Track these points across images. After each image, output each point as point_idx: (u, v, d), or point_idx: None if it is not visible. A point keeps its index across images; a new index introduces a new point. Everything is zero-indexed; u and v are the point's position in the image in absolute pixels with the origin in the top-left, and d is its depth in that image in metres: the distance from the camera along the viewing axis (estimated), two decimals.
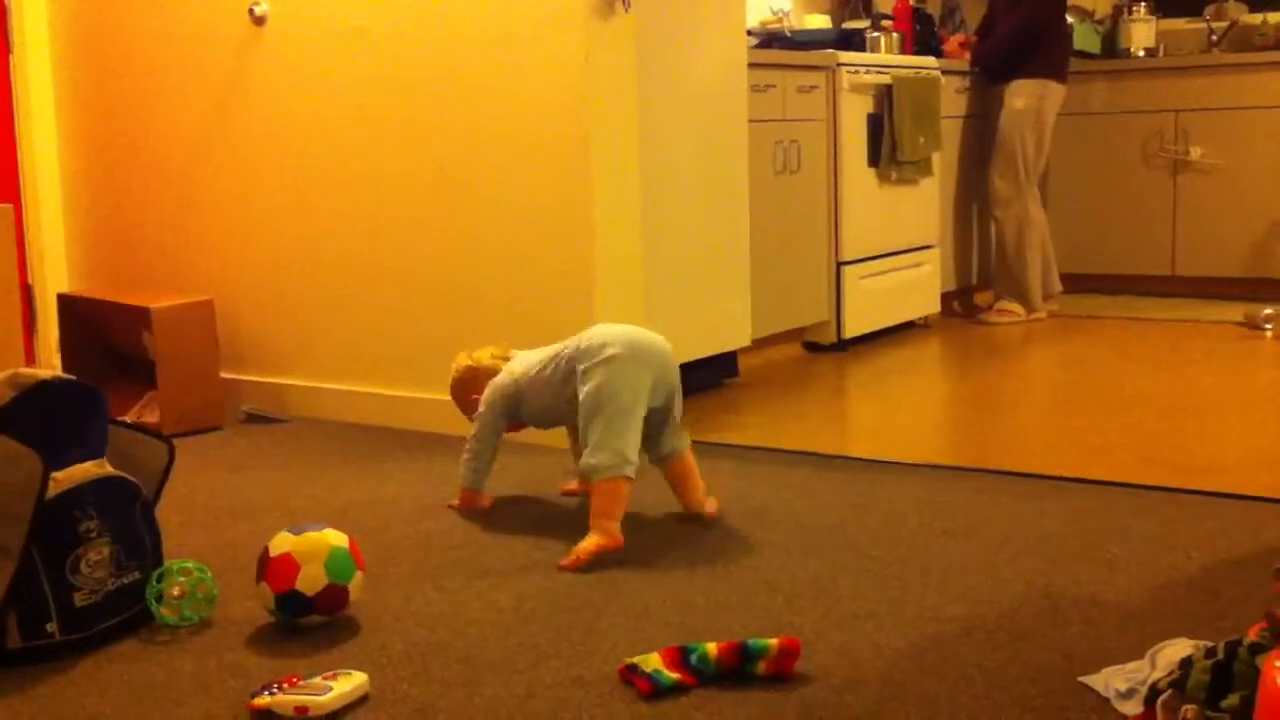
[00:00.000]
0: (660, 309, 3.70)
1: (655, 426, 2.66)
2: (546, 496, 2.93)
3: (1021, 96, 5.33)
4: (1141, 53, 6.25)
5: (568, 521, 2.72)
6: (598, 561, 2.43)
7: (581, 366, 2.58)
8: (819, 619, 2.13)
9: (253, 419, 3.80)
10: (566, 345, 2.66)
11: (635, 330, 2.66)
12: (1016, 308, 5.40)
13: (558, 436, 2.97)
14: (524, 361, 2.77)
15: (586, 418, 2.54)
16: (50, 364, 4.13)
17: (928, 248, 5.25)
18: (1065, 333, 5.12)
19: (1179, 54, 6.24)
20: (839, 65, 4.65)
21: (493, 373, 2.83)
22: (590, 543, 2.45)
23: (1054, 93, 5.37)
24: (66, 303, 4.01)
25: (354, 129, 3.65)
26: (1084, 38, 6.12)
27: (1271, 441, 3.30)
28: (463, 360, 2.89)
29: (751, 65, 4.12)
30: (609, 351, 2.56)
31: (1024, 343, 4.96)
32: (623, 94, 3.34)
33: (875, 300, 4.91)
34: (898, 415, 3.76)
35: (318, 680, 1.85)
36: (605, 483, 2.50)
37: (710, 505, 2.74)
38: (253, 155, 3.87)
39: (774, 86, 4.33)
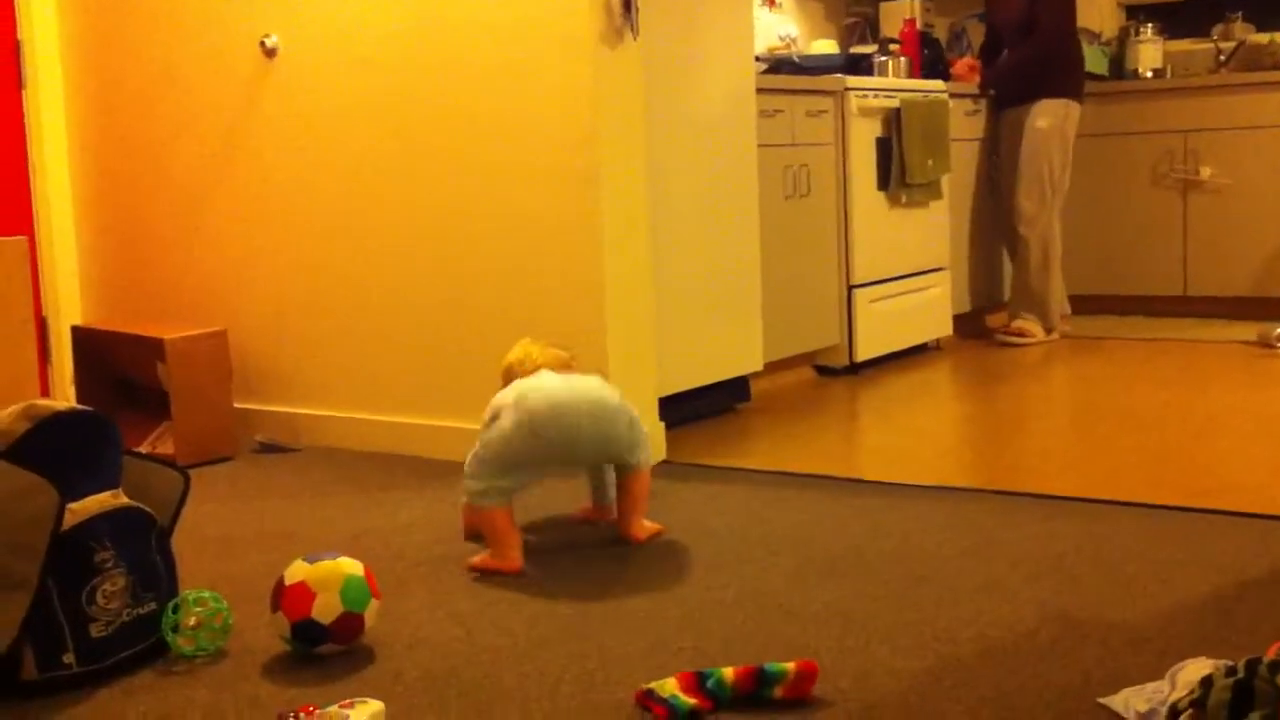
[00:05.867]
0: (671, 334, 3.71)
1: (603, 467, 2.80)
2: (560, 523, 2.93)
3: (1044, 116, 5.36)
4: (1149, 74, 6.26)
5: (581, 547, 2.72)
6: (610, 585, 2.44)
7: (501, 402, 2.61)
8: (835, 643, 2.13)
9: (266, 449, 3.80)
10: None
11: (570, 391, 2.61)
12: (1034, 327, 5.40)
13: None
14: (523, 385, 2.68)
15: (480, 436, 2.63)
16: (65, 396, 4.14)
17: (938, 270, 5.25)
18: (1077, 354, 5.12)
19: (1187, 75, 6.25)
20: (847, 90, 4.66)
21: (509, 374, 2.81)
22: (479, 558, 2.59)
23: (1074, 112, 5.41)
24: (80, 335, 4.02)
25: (364, 160, 3.67)
26: (1091, 60, 6.12)
27: None
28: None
29: (760, 91, 4.13)
30: (532, 406, 2.55)
31: (1035, 364, 4.96)
32: (631, 120, 3.35)
33: (887, 323, 4.90)
34: (910, 438, 3.76)
35: (334, 709, 1.85)
36: (480, 512, 2.60)
37: (642, 531, 2.74)
38: (264, 186, 3.89)
39: (782, 111, 4.34)
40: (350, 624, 2.12)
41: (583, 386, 2.64)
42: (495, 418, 2.62)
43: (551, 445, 2.57)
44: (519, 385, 2.63)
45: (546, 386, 2.61)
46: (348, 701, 1.88)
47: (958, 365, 5.00)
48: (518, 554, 2.57)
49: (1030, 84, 5.39)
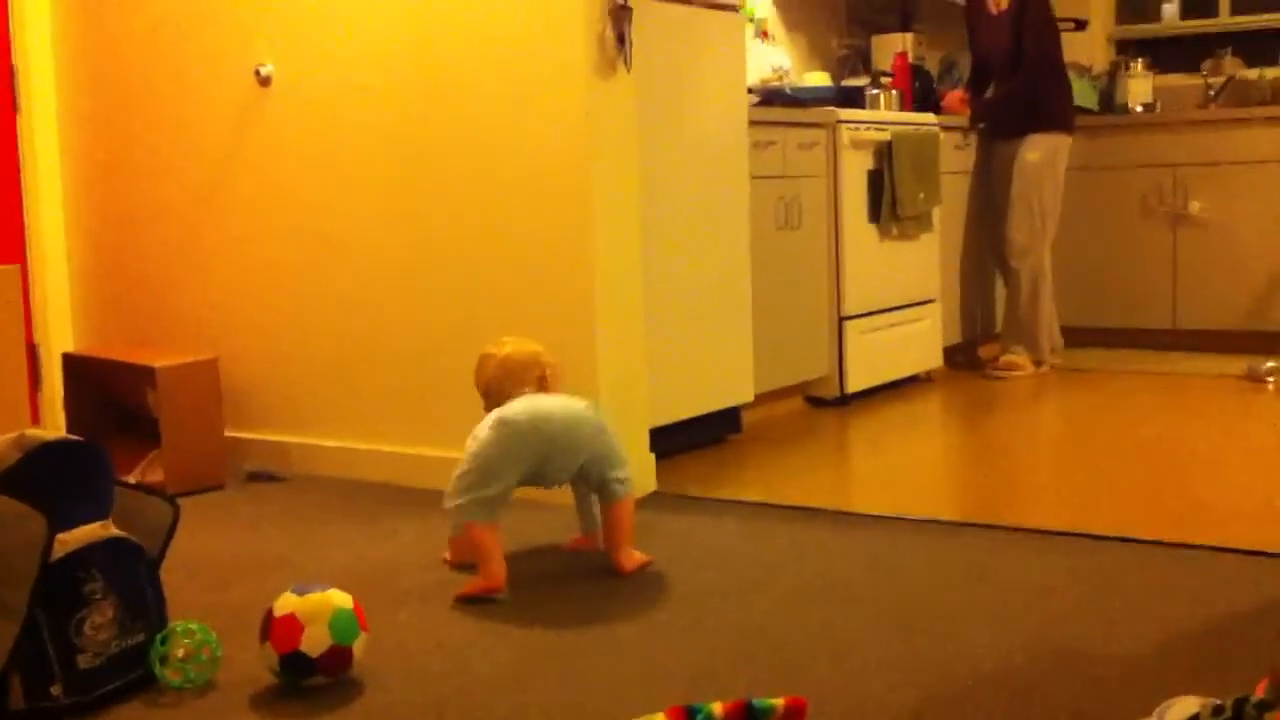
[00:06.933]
0: (662, 364, 3.71)
1: (588, 486, 2.79)
2: (550, 553, 2.93)
3: (1036, 150, 5.39)
4: (1139, 108, 6.29)
5: (571, 577, 2.72)
6: (599, 617, 2.44)
7: (490, 418, 2.67)
8: (825, 675, 2.12)
9: (255, 478, 3.79)
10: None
11: (546, 400, 2.71)
12: (1024, 360, 5.41)
13: (562, 494, 2.96)
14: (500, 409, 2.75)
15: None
16: (55, 422, 4.13)
17: (929, 302, 5.26)
18: (1066, 386, 5.13)
19: (1176, 109, 6.28)
20: (839, 122, 4.68)
21: (489, 386, 2.88)
22: (468, 586, 2.60)
23: (1065, 145, 5.44)
24: (71, 362, 4.02)
25: (357, 189, 3.68)
26: (1082, 94, 6.16)
27: (1274, 495, 3.30)
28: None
29: (752, 122, 4.15)
30: (509, 415, 2.64)
31: (1025, 396, 4.97)
32: (624, 151, 3.37)
33: (877, 354, 4.91)
34: (901, 470, 3.76)
35: None
36: (467, 529, 2.63)
37: (630, 562, 2.75)
38: (257, 214, 3.90)
39: (775, 143, 4.36)
40: (339, 656, 2.12)
41: (559, 399, 2.74)
42: (474, 438, 2.69)
43: (527, 444, 2.62)
44: (496, 410, 2.71)
45: (524, 401, 2.70)
46: None
47: (948, 397, 5.01)
48: (503, 570, 2.60)
49: (1021, 118, 5.43)
